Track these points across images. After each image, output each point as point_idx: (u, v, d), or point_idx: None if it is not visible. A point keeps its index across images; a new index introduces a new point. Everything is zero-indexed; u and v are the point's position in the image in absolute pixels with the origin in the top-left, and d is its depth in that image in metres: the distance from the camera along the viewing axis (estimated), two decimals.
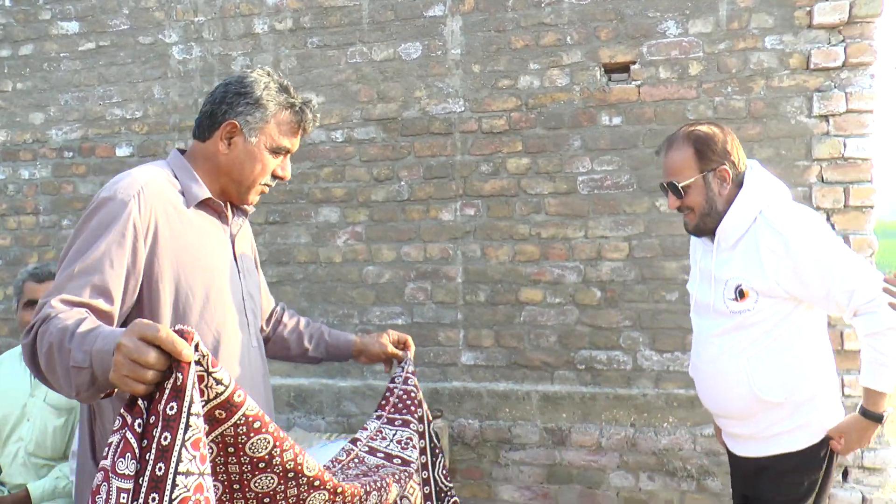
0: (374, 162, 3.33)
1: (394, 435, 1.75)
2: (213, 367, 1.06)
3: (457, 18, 3.19)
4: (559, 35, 3.08)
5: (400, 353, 1.90)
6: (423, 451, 1.78)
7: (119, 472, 0.98)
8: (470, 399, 3.22)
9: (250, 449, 1.16)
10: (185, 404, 1.00)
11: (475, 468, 3.24)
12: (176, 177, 1.52)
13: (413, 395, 1.82)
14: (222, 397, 1.09)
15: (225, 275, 1.53)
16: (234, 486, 1.21)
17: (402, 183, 3.30)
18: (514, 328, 3.19)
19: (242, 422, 1.12)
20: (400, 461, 1.67)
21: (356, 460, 1.64)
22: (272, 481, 1.22)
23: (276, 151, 1.57)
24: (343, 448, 1.70)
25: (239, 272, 1.60)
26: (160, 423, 0.99)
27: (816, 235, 1.89)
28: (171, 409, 0.99)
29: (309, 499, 1.26)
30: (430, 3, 3.22)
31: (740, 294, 1.94)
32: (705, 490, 3.05)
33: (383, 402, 1.81)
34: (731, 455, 2.14)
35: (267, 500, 1.24)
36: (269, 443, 1.17)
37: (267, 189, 1.63)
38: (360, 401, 3.35)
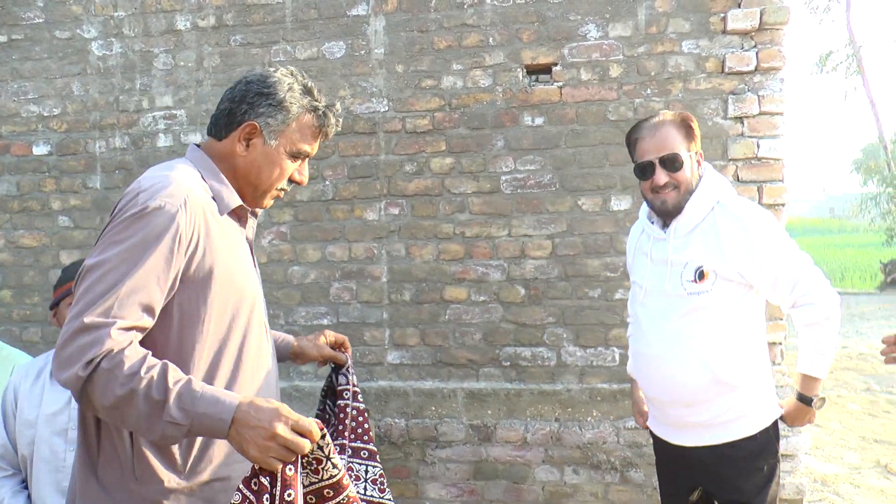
0: None
1: (366, 473, 1.70)
2: (332, 453, 1.25)
3: (380, 18, 3.18)
4: (482, 36, 3.11)
5: (339, 355, 1.81)
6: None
7: None
8: (396, 398, 3.22)
9: None
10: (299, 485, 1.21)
11: (402, 467, 3.24)
12: (204, 179, 1.44)
13: (366, 415, 1.76)
14: (335, 479, 1.26)
15: (252, 282, 1.49)
16: None
17: (327, 182, 3.28)
18: (440, 326, 3.20)
19: (345, 501, 1.29)
20: None
21: None
22: None
23: (296, 156, 1.50)
24: None
25: (257, 277, 1.57)
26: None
27: (771, 226, 2.00)
28: (289, 495, 1.19)
29: None
30: (354, 3, 3.20)
31: (700, 275, 1.98)
32: (629, 482, 3.12)
33: (340, 427, 1.70)
34: (673, 447, 2.14)
35: None
36: None
37: (282, 193, 1.56)
38: (288, 402, 3.30)
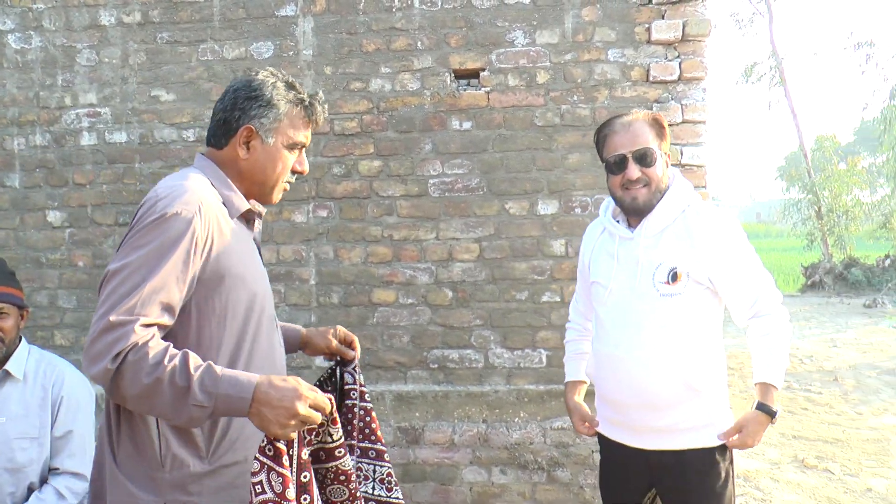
0: None
1: (374, 472, 1.73)
2: (333, 424, 1.42)
3: (308, 19, 3.16)
4: (410, 40, 3.12)
5: (347, 350, 1.84)
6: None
7: (289, 498, 1.28)
8: None
9: (330, 492, 1.47)
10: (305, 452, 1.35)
11: None
12: (214, 186, 1.53)
13: (373, 414, 1.78)
14: (329, 446, 1.43)
15: (262, 280, 1.60)
16: None
17: None
18: (368, 329, 3.20)
19: (333, 469, 1.45)
20: None
21: None
22: None
23: (293, 147, 1.60)
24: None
25: (265, 274, 1.66)
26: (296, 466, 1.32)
27: (742, 236, 2.01)
28: (305, 454, 1.33)
29: None
30: (282, 3, 3.17)
31: (673, 277, 1.96)
32: (555, 481, 3.17)
33: (348, 427, 1.71)
34: (629, 450, 2.11)
35: None
36: (345, 494, 1.47)
37: (288, 186, 1.67)
38: None
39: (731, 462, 2.10)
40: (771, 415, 1.97)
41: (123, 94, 3.31)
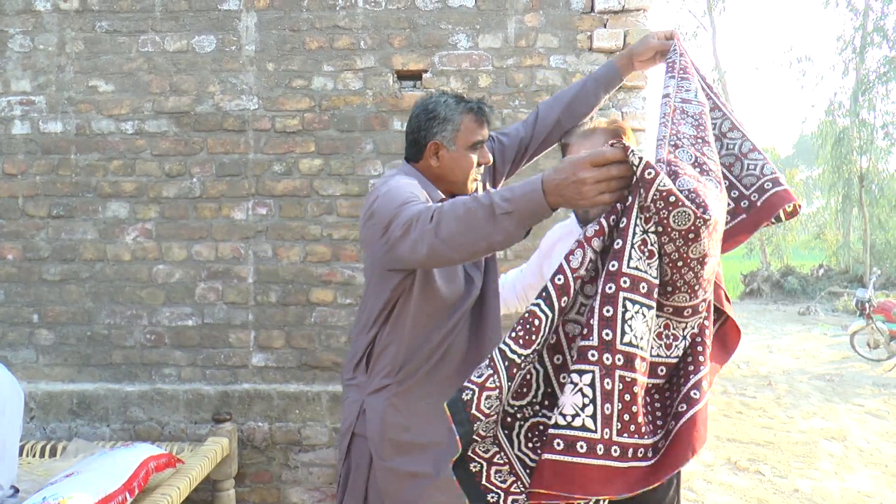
0: (165, 156, 3.20)
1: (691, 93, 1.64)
2: (636, 155, 1.22)
3: (252, 14, 3.13)
4: (353, 39, 3.11)
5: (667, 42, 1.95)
6: None
7: (594, 247, 1.28)
8: (260, 401, 3.17)
9: (675, 222, 1.22)
10: (633, 214, 1.24)
11: (264, 471, 3.20)
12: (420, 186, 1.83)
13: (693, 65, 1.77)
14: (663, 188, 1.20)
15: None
16: (678, 263, 1.28)
17: (195, 179, 3.20)
18: (305, 329, 3.18)
19: (657, 197, 1.21)
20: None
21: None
22: (703, 246, 1.26)
23: (473, 147, 1.92)
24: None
25: None
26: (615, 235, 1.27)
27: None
28: (622, 222, 1.25)
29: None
30: None
31: None
32: None
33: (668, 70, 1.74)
34: None
35: (703, 261, 1.29)
36: (688, 216, 1.21)
37: (479, 177, 1.97)
38: (149, 406, 3.21)
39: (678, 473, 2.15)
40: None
41: (59, 83, 3.22)
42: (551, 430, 1.24)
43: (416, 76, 3.13)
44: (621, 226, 1.27)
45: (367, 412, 1.88)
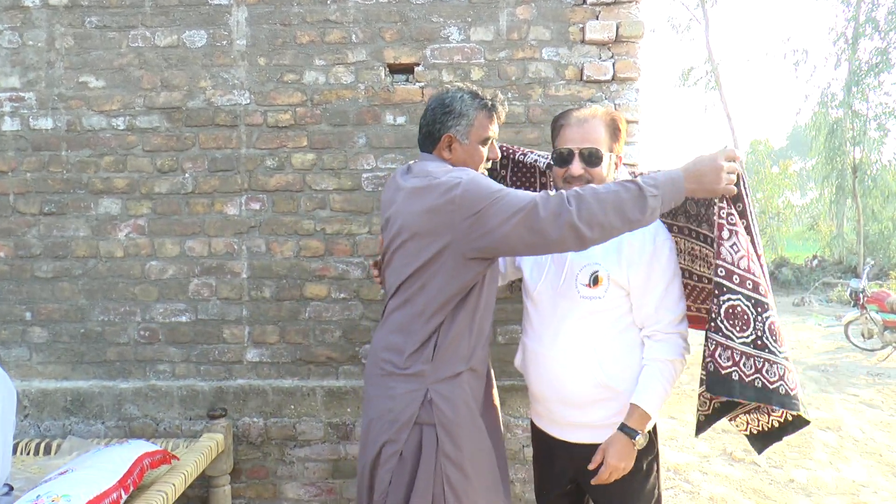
0: (157, 152, 3.19)
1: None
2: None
3: (242, 9, 3.11)
4: (344, 33, 3.10)
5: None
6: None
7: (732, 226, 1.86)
8: (255, 397, 3.17)
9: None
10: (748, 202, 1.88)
11: (260, 467, 3.19)
12: None
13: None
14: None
15: None
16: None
17: (187, 175, 3.18)
18: (300, 324, 3.17)
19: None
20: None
21: None
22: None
23: (485, 142, 2.05)
24: None
25: None
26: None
27: (669, 257, 2.01)
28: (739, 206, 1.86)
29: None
30: None
31: (594, 280, 1.99)
32: None
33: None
34: (554, 440, 2.15)
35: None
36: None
37: (486, 170, 2.10)
38: (143, 403, 3.20)
39: (657, 456, 2.14)
40: (631, 436, 1.97)
41: (49, 80, 3.20)
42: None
43: (408, 70, 3.12)
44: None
45: (435, 400, 1.93)
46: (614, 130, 2.05)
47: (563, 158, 2.04)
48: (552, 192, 1.81)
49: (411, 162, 2.18)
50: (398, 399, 1.95)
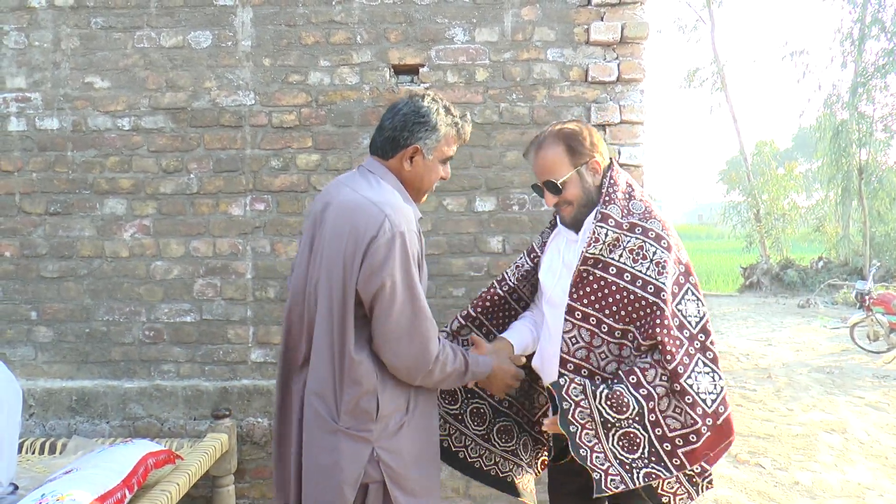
0: (162, 153, 3.20)
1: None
2: None
3: (247, 10, 3.12)
4: (349, 34, 3.10)
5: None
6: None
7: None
8: (259, 397, 3.17)
9: None
10: None
11: (264, 467, 3.20)
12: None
13: None
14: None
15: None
16: None
17: (192, 175, 3.19)
18: None
19: None
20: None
21: None
22: None
23: (445, 161, 2.00)
24: None
25: None
26: None
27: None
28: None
29: None
30: None
31: None
32: None
33: None
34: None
35: None
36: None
37: (433, 188, 2.05)
38: (148, 402, 3.21)
39: None
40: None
41: (55, 80, 3.21)
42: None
43: (412, 70, 3.12)
44: None
45: (383, 457, 1.81)
46: (574, 143, 2.03)
47: (538, 193, 2.15)
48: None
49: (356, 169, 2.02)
50: (343, 460, 1.86)
